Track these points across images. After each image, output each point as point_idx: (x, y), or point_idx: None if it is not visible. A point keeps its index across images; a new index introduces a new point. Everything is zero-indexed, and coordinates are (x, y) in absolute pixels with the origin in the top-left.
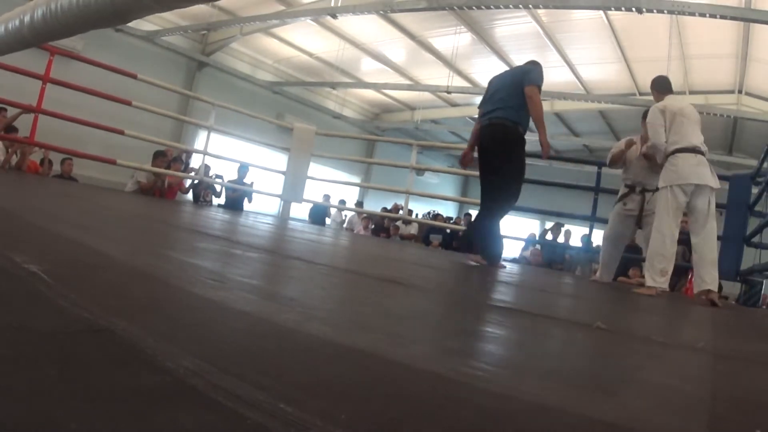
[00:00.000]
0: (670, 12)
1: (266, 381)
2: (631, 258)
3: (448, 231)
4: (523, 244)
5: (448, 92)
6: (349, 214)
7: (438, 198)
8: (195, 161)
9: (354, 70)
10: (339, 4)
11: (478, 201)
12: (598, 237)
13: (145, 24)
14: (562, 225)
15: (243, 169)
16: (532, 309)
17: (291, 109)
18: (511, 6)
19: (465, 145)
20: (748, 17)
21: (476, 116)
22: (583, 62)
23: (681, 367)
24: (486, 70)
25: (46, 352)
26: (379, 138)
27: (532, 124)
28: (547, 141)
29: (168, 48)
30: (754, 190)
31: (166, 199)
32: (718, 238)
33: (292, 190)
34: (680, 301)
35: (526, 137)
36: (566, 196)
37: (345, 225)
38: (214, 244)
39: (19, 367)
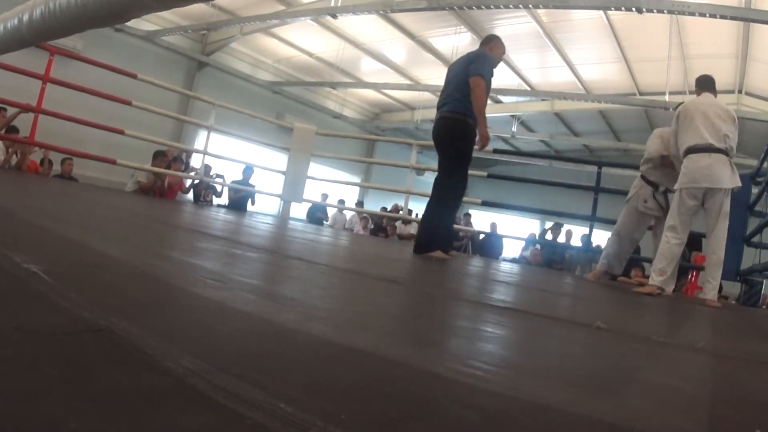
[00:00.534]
0: (670, 12)
1: (266, 381)
2: (632, 258)
3: None
4: (523, 243)
5: None
6: (349, 213)
7: None
8: (195, 161)
9: (354, 69)
10: (339, 4)
11: (478, 201)
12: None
13: (145, 24)
14: (562, 225)
15: (248, 170)
16: (532, 309)
17: (291, 108)
18: (511, 6)
19: None
20: (748, 17)
21: None
22: (583, 62)
23: (681, 367)
24: None
25: (45, 352)
26: (379, 138)
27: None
28: (486, 133)
29: (168, 48)
30: (754, 190)
31: (167, 199)
32: None
33: (292, 190)
34: (680, 301)
35: (525, 138)
36: (566, 196)
37: (345, 225)
38: (214, 244)
39: (19, 366)
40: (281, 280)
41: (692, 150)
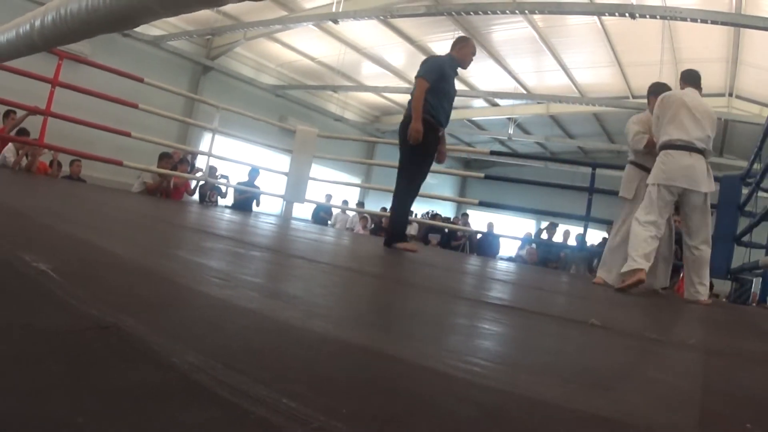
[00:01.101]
0: (663, 17)
1: (270, 377)
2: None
3: (446, 230)
4: (519, 243)
5: None
6: (351, 214)
7: (436, 198)
8: (200, 162)
9: (355, 73)
10: (340, 10)
11: (476, 201)
12: (592, 236)
13: (151, 29)
14: (557, 225)
15: (254, 172)
16: (529, 306)
17: (293, 111)
18: (507, 12)
19: (463, 147)
20: (738, 22)
21: (474, 118)
22: (577, 66)
23: (674, 363)
24: (483, 73)
25: (54, 349)
26: (379, 140)
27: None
28: (415, 128)
29: (173, 52)
30: (744, 191)
31: (172, 200)
32: None
33: (295, 191)
34: (672, 299)
35: (521, 140)
36: (561, 197)
37: (347, 225)
38: (219, 244)
39: (28, 363)
40: (284, 278)
41: (673, 146)
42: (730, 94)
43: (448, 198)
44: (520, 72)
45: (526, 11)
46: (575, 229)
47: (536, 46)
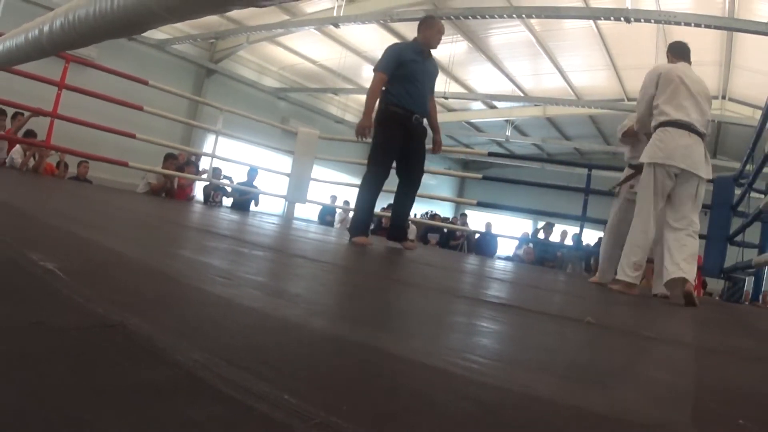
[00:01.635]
0: (657, 21)
1: (272, 373)
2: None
3: (445, 230)
4: (516, 242)
5: (445, 98)
6: (351, 214)
7: (435, 198)
8: (203, 163)
9: (355, 76)
10: (341, 14)
11: (474, 202)
12: (588, 236)
13: (156, 33)
14: (553, 225)
15: (252, 172)
16: (526, 305)
17: (295, 113)
18: (505, 16)
19: (462, 149)
20: (731, 26)
21: (472, 120)
22: (574, 69)
23: (668, 361)
24: (481, 76)
25: (61, 346)
26: None
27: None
28: (360, 124)
29: (178, 56)
30: (737, 192)
31: (177, 200)
32: (702, 237)
33: (296, 191)
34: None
35: (519, 142)
36: (558, 197)
37: (347, 225)
38: (222, 243)
39: (36, 360)
40: (286, 277)
41: (672, 124)
42: (723, 97)
43: (447, 198)
44: (517, 75)
45: (524, 15)
46: (572, 229)
47: (533, 49)
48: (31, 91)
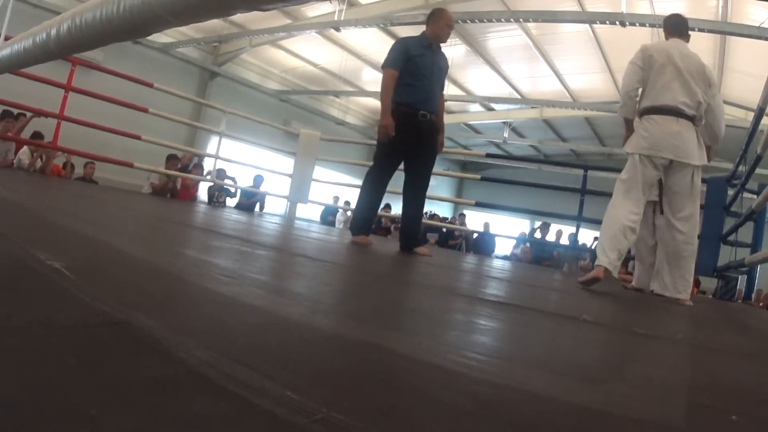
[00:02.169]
0: (652, 25)
1: (274, 371)
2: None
3: (444, 230)
4: (514, 242)
5: (444, 100)
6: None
7: (434, 199)
8: (207, 164)
9: (356, 79)
10: (342, 18)
11: (472, 202)
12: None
13: (160, 36)
14: (550, 224)
15: (258, 178)
16: (523, 303)
17: (297, 116)
18: (503, 20)
19: (460, 150)
20: (724, 30)
21: (470, 122)
22: (570, 72)
23: (662, 358)
24: (479, 79)
25: (67, 344)
26: None
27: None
28: (381, 123)
29: (182, 59)
30: (730, 192)
31: (182, 201)
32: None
33: (298, 192)
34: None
35: (516, 143)
36: (554, 198)
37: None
38: (225, 243)
39: (43, 357)
40: (288, 276)
41: (657, 110)
42: None
43: (446, 199)
44: (514, 78)
45: (521, 19)
46: (568, 229)
47: (530, 52)
48: (39, 93)
